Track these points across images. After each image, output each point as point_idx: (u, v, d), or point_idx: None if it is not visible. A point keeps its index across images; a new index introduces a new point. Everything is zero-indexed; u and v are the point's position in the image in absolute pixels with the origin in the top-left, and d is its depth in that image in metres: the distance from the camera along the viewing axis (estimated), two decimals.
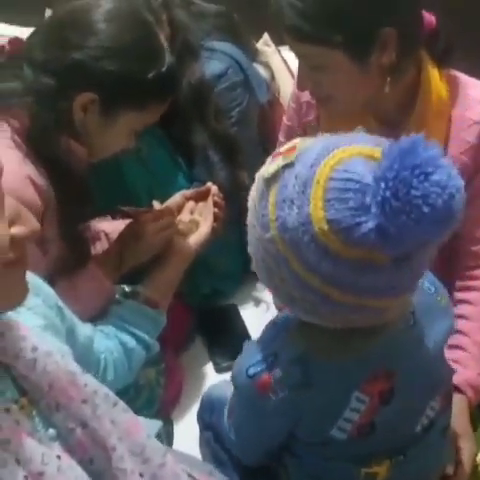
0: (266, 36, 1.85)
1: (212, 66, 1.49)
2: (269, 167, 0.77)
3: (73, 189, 1.05)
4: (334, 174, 0.71)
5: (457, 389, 1.09)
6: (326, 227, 0.70)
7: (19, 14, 2.11)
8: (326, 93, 1.14)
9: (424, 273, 0.80)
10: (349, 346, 0.83)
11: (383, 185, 0.67)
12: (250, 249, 0.81)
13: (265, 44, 1.84)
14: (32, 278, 0.73)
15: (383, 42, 1.05)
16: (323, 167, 0.72)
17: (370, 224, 0.69)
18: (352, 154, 0.73)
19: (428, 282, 0.90)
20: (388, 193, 0.67)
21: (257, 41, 1.84)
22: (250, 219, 0.81)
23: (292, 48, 1.12)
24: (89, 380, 0.74)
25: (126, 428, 0.75)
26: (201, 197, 1.30)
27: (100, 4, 1.06)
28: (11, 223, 0.62)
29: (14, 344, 0.69)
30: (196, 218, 1.27)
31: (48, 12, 1.91)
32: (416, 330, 0.87)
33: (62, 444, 0.70)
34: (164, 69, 1.06)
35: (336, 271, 0.72)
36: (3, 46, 1.08)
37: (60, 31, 1.04)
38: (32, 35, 1.09)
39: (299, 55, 1.12)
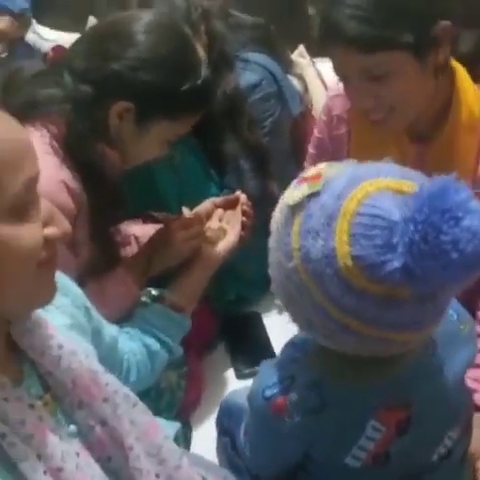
0: (301, 48, 1.87)
1: (247, 77, 1.52)
2: (293, 194, 0.76)
3: (106, 194, 1.08)
4: (361, 209, 0.71)
5: (478, 409, 1.08)
6: (351, 263, 0.70)
7: (62, 19, 2.17)
8: (389, 105, 1.13)
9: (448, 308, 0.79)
10: (366, 373, 0.82)
11: (412, 227, 0.67)
12: (271, 271, 0.81)
13: (300, 55, 1.86)
14: (61, 278, 0.75)
15: (441, 37, 1.05)
16: (350, 200, 0.71)
17: (396, 263, 0.68)
18: (380, 188, 0.72)
19: (451, 309, 0.88)
20: (417, 236, 0.66)
21: (292, 52, 1.86)
22: (272, 243, 0.80)
23: (352, 63, 1.08)
24: (110, 380, 0.77)
25: (144, 429, 0.77)
26: (230, 205, 1.32)
27: (141, 16, 1.09)
28: (45, 224, 0.66)
29: (41, 341, 0.71)
30: (224, 226, 1.28)
31: (91, 19, 1.97)
32: (436, 359, 0.86)
33: (82, 441, 0.72)
34: (199, 82, 1.09)
35: (359, 305, 0.72)
36: (47, 53, 1.12)
37: (101, 41, 1.08)
38: (75, 44, 1.12)
39: (361, 69, 1.09)
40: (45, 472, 0.65)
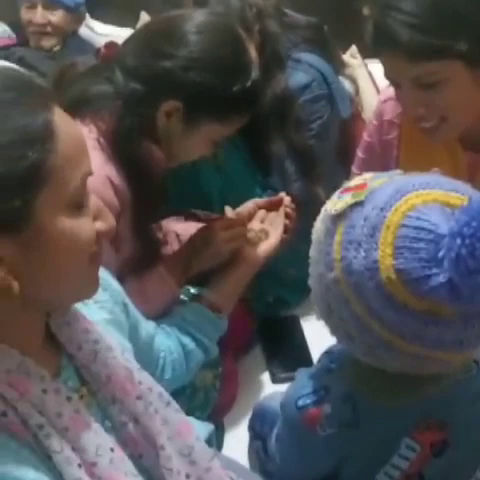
0: (354, 48, 1.84)
1: (297, 77, 1.50)
2: (337, 203, 0.75)
3: (150, 191, 1.08)
4: (406, 221, 0.69)
5: None
6: (394, 276, 0.68)
7: (115, 14, 2.19)
8: (440, 115, 1.11)
9: None
10: (403, 390, 0.80)
11: (459, 241, 0.65)
12: (311, 282, 0.80)
13: (352, 56, 1.83)
14: (102, 273, 0.75)
15: None
16: (395, 212, 0.70)
17: (441, 278, 0.66)
18: (426, 200, 0.70)
19: None
20: (464, 251, 0.64)
21: (345, 52, 1.83)
22: (313, 253, 0.79)
23: (404, 71, 1.07)
24: (145, 378, 0.76)
25: (177, 428, 0.77)
26: (273, 206, 1.30)
27: (194, 16, 1.09)
28: (94, 219, 0.67)
29: (78, 335, 0.72)
30: (266, 227, 1.27)
31: (143, 14, 1.99)
32: (477, 381, 0.83)
33: (116, 437, 0.72)
34: (248, 84, 1.08)
35: (400, 320, 0.70)
36: (99, 49, 1.12)
37: (153, 40, 1.08)
38: (127, 41, 1.12)
39: (413, 76, 1.07)
40: (80, 465, 0.65)
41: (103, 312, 0.81)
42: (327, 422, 0.81)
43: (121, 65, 1.07)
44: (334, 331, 0.80)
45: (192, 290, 1.21)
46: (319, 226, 0.79)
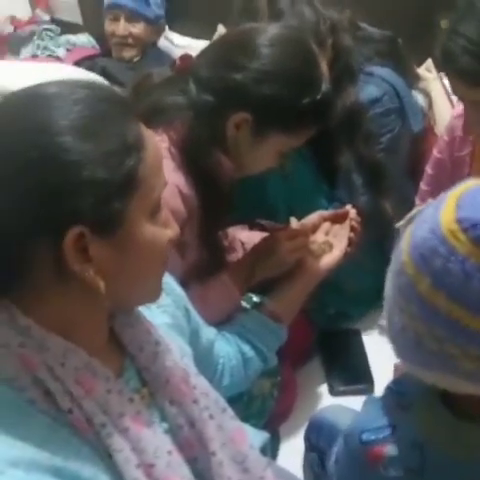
0: (429, 62, 1.80)
1: (369, 90, 1.49)
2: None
3: (217, 200, 1.11)
4: (467, 191, 0.69)
5: None
6: (455, 226, 0.67)
7: (193, 26, 2.24)
8: None
9: None
10: (475, 445, 0.77)
11: None
12: (385, 290, 0.79)
13: (427, 70, 1.80)
14: (166, 278, 0.78)
15: None
16: (460, 187, 0.71)
17: None
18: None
19: None
20: None
21: (420, 66, 1.80)
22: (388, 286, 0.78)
23: (463, 93, 1.09)
24: (201, 383, 0.78)
25: (231, 435, 0.78)
26: (338, 219, 1.30)
27: (267, 29, 1.10)
28: (164, 226, 0.71)
29: (140, 336, 0.74)
30: (330, 240, 1.27)
31: (220, 27, 2.03)
32: None
33: (173, 439, 0.73)
34: (318, 97, 1.09)
35: (465, 285, 0.67)
36: (175, 61, 1.16)
37: (226, 52, 1.10)
38: (201, 53, 1.16)
39: (471, 100, 1.09)
40: (138, 466, 0.66)
41: (165, 316, 0.83)
42: (391, 464, 0.79)
43: (195, 77, 1.10)
44: (401, 338, 0.75)
45: (254, 298, 1.22)
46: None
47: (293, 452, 1.22)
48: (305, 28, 1.31)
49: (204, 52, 1.16)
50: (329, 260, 1.23)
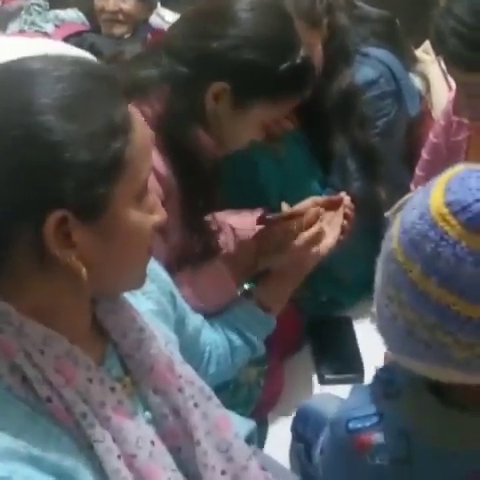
0: (427, 44, 1.77)
1: (364, 72, 1.46)
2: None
3: (199, 179, 1.07)
4: (456, 175, 0.68)
5: None
6: (445, 210, 0.66)
7: (185, 2, 2.19)
8: None
9: None
10: (465, 436, 0.76)
11: None
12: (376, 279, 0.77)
13: (425, 52, 1.76)
14: (151, 264, 0.76)
15: None
16: (450, 172, 0.69)
17: None
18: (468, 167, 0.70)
19: None
20: None
21: (417, 48, 1.76)
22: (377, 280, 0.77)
23: (451, 74, 1.07)
24: (187, 371, 0.76)
25: (216, 423, 0.76)
26: (332, 206, 1.26)
27: None
28: (150, 211, 0.68)
29: (124, 323, 0.72)
30: (323, 227, 1.24)
31: None
32: None
33: (156, 428, 0.72)
34: (298, 61, 1.05)
35: (457, 269, 0.65)
36: (146, 38, 1.12)
37: (201, 21, 1.06)
38: (173, 25, 1.12)
39: (458, 82, 1.08)
40: (119, 456, 0.65)
41: (150, 303, 0.81)
42: (377, 453, 0.77)
43: (168, 49, 1.06)
44: (392, 328, 0.74)
45: (245, 285, 1.20)
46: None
47: (281, 441, 1.21)
48: (302, 7, 1.28)
49: (176, 24, 1.12)
50: (321, 248, 1.20)
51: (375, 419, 0.79)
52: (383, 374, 0.84)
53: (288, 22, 1.09)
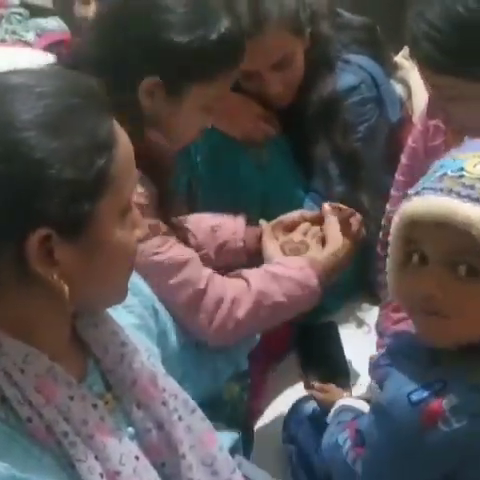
0: (406, 49, 1.78)
1: (345, 78, 1.46)
2: None
3: (163, 181, 1.05)
4: None
5: None
6: None
7: None
8: (459, 124, 1.09)
9: None
10: None
11: None
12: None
13: (404, 58, 1.77)
14: (133, 278, 0.76)
15: None
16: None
17: None
18: None
19: None
20: None
21: (397, 53, 1.78)
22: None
23: (425, 78, 1.08)
24: (170, 384, 0.76)
25: (200, 437, 0.76)
26: (319, 221, 1.25)
27: None
28: (134, 226, 0.68)
29: (105, 337, 0.72)
30: (307, 241, 1.22)
31: None
32: None
33: (139, 444, 0.71)
34: (222, 33, 1.03)
35: None
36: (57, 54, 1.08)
37: (112, 22, 1.04)
38: (81, 37, 1.11)
39: (432, 85, 1.08)
40: (102, 475, 0.65)
41: (132, 317, 0.82)
42: (453, 414, 0.74)
43: (83, 61, 1.02)
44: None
45: None
46: None
47: (267, 449, 1.20)
48: (283, 17, 1.28)
49: (84, 34, 1.11)
50: None
51: (439, 384, 0.76)
52: (407, 347, 0.83)
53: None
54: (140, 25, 1.01)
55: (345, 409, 0.96)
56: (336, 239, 1.17)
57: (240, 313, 1.06)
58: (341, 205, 1.25)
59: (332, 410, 0.98)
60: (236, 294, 1.06)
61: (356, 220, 1.21)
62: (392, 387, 0.80)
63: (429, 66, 1.04)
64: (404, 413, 0.77)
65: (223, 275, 1.13)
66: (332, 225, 1.19)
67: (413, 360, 0.81)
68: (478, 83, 1.00)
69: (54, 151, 0.59)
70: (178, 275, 1.03)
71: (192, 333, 1.05)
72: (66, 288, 0.62)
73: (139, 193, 0.99)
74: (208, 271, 1.07)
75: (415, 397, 0.76)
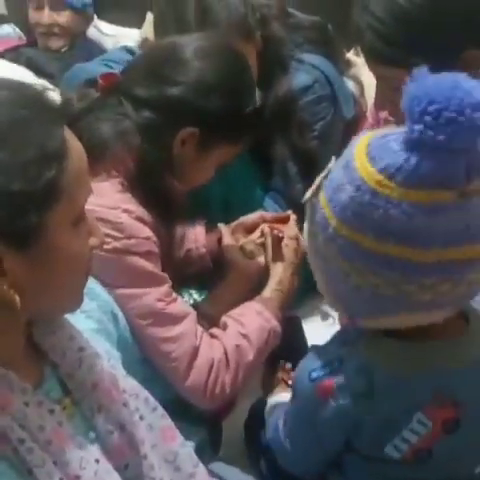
0: (358, 47, 1.81)
1: (299, 78, 1.49)
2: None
3: (174, 225, 1.12)
4: (371, 143, 0.74)
5: None
6: (380, 177, 0.71)
7: (122, 15, 2.19)
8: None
9: None
10: (418, 364, 0.81)
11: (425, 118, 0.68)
12: (313, 268, 0.83)
13: (356, 55, 1.81)
14: (92, 284, 0.77)
15: (465, 64, 1.01)
16: (359, 144, 0.75)
17: (417, 157, 0.69)
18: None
19: None
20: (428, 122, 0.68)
21: (349, 51, 1.81)
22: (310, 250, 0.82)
23: (371, 69, 1.11)
24: (130, 384, 0.77)
25: (161, 434, 0.78)
26: (279, 221, 1.28)
27: (189, 43, 1.08)
28: (89, 235, 0.69)
29: (63, 342, 0.72)
30: (268, 242, 1.24)
31: (149, 15, 1.99)
32: None
33: (101, 447, 0.72)
34: (258, 104, 1.09)
35: (408, 222, 0.71)
36: (97, 81, 1.08)
37: (156, 67, 1.07)
38: (127, 70, 1.11)
39: (378, 76, 1.11)
40: (61, 479, 0.65)
41: (90, 321, 0.82)
42: (340, 393, 0.81)
43: (127, 96, 1.05)
44: (356, 297, 0.79)
45: (195, 295, 1.21)
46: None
47: (235, 444, 1.21)
48: (233, 21, 1.30)
49: (130, 68, 1.12)
50: (263, 261, 1.22)
51: (336, 364, 0.83)
52: (340, 332, 0.90)
53: (246, 65, 1.12)
54: (184, 84, 1.05)
55: (280, 404, 1.00)
56: (275, 269, 1.20)
57: (227, 377, 1.08)
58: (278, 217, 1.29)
59: (268, 405, 1.04)
60: (221, 356, 1.08)
61: (292, 240, 1.23)
62: (301, 364, 0.88)
63: (373, 57, 1.07)
64: (305, 388, 0.85)
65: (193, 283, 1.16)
66: (269, 250, 1.23)
67: (331, 339, 0.89)
68: None
69: (2, 162, 0.59)
70: (175, 328, 1.05)
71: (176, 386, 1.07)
72: (17, 298, 0.62)
73: (153, 241, 1.03)
74: (201, 329, 1.09)
75: (314, 374, 0.84)
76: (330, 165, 0.80)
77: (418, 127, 0.68)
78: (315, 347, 0.90)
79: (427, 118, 0.68)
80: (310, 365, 0.85)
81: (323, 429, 0.86)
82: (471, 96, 0.68)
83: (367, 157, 0.73)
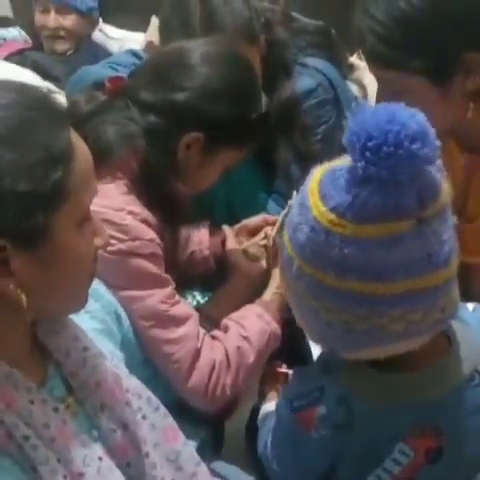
0: (361, 51, 1.82)
1: (303, 82, 1.50)
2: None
3: (178, 228, 1.13)
4: (321, 180, 0.74)
5: None
6: (332, 216, 0.71)
7: (127, 18, 2.21)
8: None
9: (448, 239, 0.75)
10: (398, 394, 0.80)
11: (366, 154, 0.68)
12: (289, 303, 0.83)
13: (359, 58, 1.82)
14: (96, 285, 0.78)
15: (467, 67, 1.03)
16: (313, 180, 0.75)
17: (364, 192, 0.69)
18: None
19: None
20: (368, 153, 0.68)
21: (352, 55, 1.82)
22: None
23: (372, 72, 1.12)
24: (133, 384, 0.78)
25: (164, 433, 0.78)
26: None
27: (196, 48, 1.09)
28: (94, 235, 0.70)
29: (67, 342, 0.73)
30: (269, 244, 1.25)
31: (154, 19, 2.00)
32: (478, 392, 0.83)
33: (104, 445, 0.73)
34: (264, 108, 1.10)
35: (365, 257, 0.70)
36: (104, 84, 1.09)
37: (163, 72, 1.08)
38: (134, 74, 1.12)
39: (379, 79, 1.11)
40: (65, 476, 0.66)
41: (94, 322, 0.83)
42: (321, 424, 0.81)
43: (134, 100, 1.06)
44: (329, 333, 0.79)
45: (198, 297, 1.22)
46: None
47: (237, 444, 1.22)
48: (238, 25, 1.31)
49: (137, 73, 1.13)
50: (265, 264, 1.22)
51: (317, 394, 0.83)
52: (323, 356, 0.89)
53: (252, 72, 1.13)
54: (191, 89, 1.05)
55: (271, 414, 1.00)
56: (276, 272, 1.19)
57: (228, 379, 1.09)
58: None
59: (260, 414, 1.04)
60: (223, 357, 1.09)
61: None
62: (286, 389, 0.88)
63: (374, 60, 1.07)
64: (286, 417, 0.85)
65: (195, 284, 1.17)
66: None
67: (316, 361, 0.89)
68: (421, 77, 1.04)
69: (10, 163, 0.60)
70: (178, 330, 1.06)
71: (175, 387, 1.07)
72: (24, 298, 0.63)
73: (157, 243, 1.05)
74: (203, 331, 1.10)
75: (296, 403, 0.84)
76: (290, 202, 0.80)
77: (361, 164, 0.68)
78: (298, 371, 0.90)
79: (368, 154, 0.67)
80: (292, 393, 0.85)
81: (307, 458, 0.86)
82: (407, 128, 0.68)
83: (319, 195, 0.73)
